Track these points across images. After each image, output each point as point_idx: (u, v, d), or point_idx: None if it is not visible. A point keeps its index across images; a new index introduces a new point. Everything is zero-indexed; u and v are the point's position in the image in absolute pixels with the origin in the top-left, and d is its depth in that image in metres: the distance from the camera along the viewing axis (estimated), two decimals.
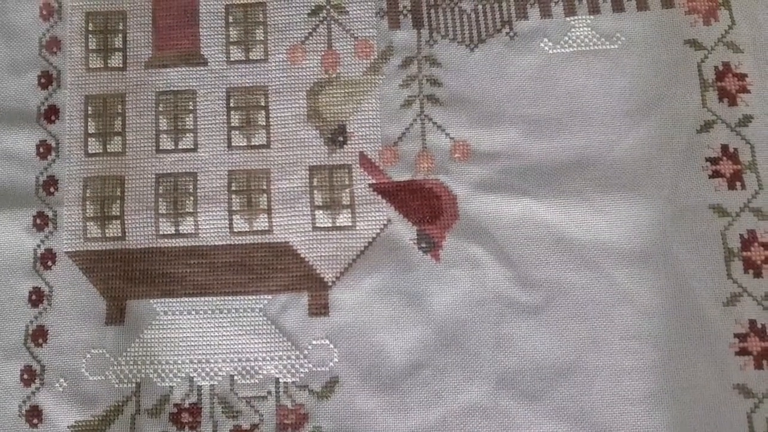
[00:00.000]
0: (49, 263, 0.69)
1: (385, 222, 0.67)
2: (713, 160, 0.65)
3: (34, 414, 0.66)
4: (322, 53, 0.70)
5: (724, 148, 0.65)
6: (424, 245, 0.67)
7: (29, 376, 0.67)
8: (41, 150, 0.69)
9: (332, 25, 0.70)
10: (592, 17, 0.68)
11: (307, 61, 0.70)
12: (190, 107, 0.69)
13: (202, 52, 0.70)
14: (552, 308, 0.64)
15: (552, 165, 0.66)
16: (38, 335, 0.67)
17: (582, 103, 0.66)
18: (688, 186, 0.65)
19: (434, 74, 0.68)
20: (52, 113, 0.70)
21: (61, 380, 0.67)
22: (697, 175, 0.65)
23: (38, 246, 0.69)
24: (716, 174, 0.65)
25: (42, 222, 0.69)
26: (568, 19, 0.68)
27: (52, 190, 0.69)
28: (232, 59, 0.70)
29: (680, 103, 0.66)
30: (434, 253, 0.66)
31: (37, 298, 0.68)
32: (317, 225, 0.67)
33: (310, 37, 0.70)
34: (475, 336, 0.64)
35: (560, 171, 0.66)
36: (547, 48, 0.68)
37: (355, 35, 0.70)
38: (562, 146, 0.66)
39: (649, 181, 0.65)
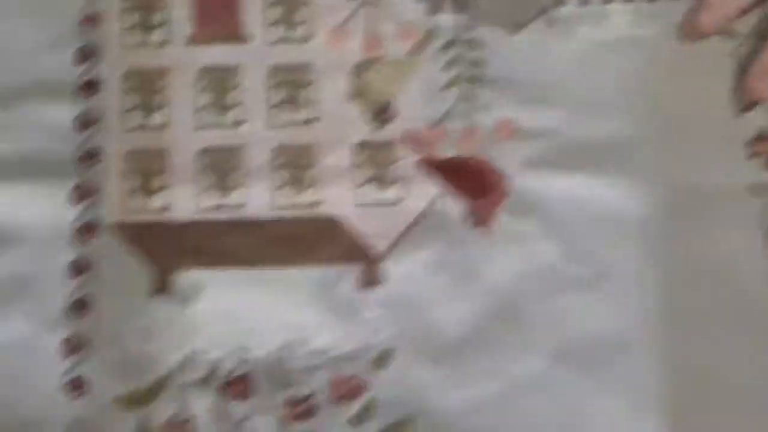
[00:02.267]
0: (90, 235, 0.68)
1: (433, 197, 0.68)
2: (754, 141, 0.69)
3: (77, 385, 0.65)
4: (364, 36, 0.71)
5: (763, 129, 0.69)
6: (473, 220, 0.68)
7: (71, 347, 0.65)
8: (80, 123, 0.68)
9: (374, 9, 0.71)
10: (631, 4, 0.71)
11: (350, 43, 0.70)
12: (233, 84, 0.70)
13: (244, 30, 0.70)
14: (603, 283, 0.66)
15: (598, 144, 0.68)
16: (80, 306, 0.66)
17: (624, 87, 0.69)
18: (728, 166, 0.68)
19: (476, 56, 0.70)
20: (91, 87, 0.69)
21: (105, 351, 0.65)
22: (736, 156, 0.68)
23: (78, 217, 0.68)
24: (756, 154, 0.68)
25: (82, 194, 0.68)
26: (606, 6, 0.71)
27: (91, 162, 0.68)
28: (274, 38, 0.70)
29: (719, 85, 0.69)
30: (484, 228, 0.68)
31: (78, 269, 0.67)
32: (365, 200, 0.68)
33: (352, 19, 0.71)
34: (529, 309, 0.66)
35: (606, 150, 0.68)
36: (586, 34, 0.70)
37: (397, 18, 0.71)
38: (608, 126, 0.68)
39: (690, 161, 0.67)
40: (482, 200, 0.68)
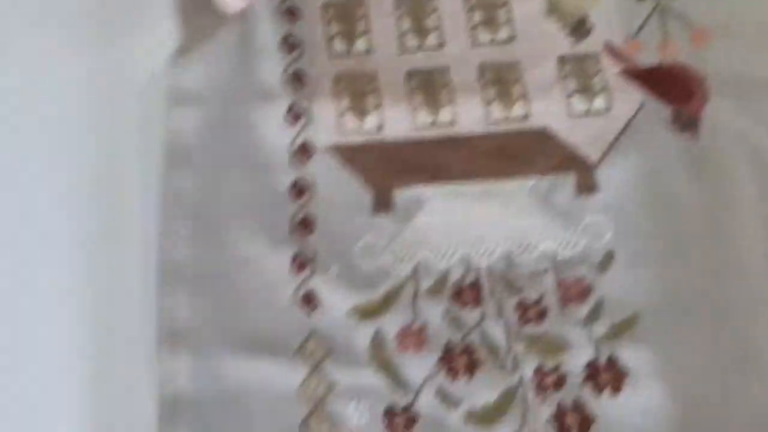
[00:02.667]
0: (307, 156, 0.69)
1: (639, 104, 0.69)
2: None
3: (309, 300, 0.65)
4: None
5: None
6: (681, 124, 0.69)
7: (300, 263, 0.66)
8: (286, 45, 0.70)
9: None
10: None
11: None
12: (430, 8, 0.71)
13: None
14: None
15: None
16: (305, 224, 0.67)
17: None
18: None
19: None
20: (292, 13, 0.71)
21: (334, 266, 0.66)
22: None
23: (294, 139, 0.69)
24: None
25: (295, 115, 0.69)
26: None
27: (300, 83, 0.69)
28: None
29: None
30: (691, 132, 0.69)
31: (299, 190, 0.68)
32: (573, 110, 0.69)
33: None
34: (745, 211, 0.66)
35: None
36: None
37: None
38: None
39: None
40: (687, 105, 0.69)
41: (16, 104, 0.69)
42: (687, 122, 0.68)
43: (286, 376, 0.63)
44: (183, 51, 0.70)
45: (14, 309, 0.65)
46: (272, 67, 0.69)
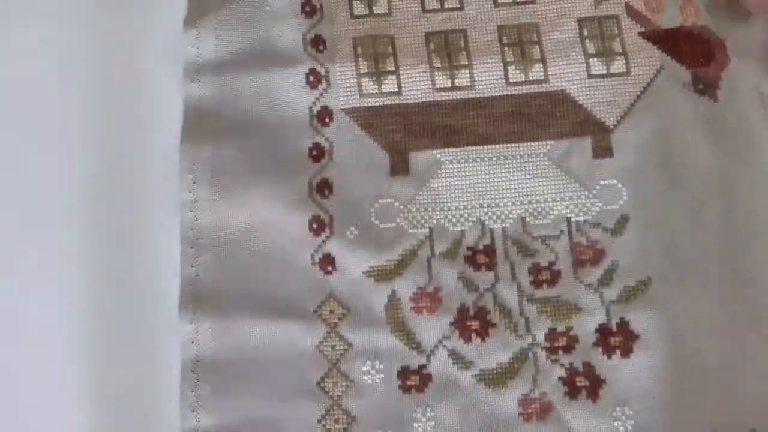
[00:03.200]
0: (326, 119, 0.70)
1: (659, 67, 0.69)
2: None
3: (328, 262, 0.67)
4: None
5: None
6: (700, 87, 0.69)
7: (318, 225, 0.67)
8: (307, 9, 0.70)
9: None
10: None
11: None
12: None
13: None
14: None
15: None
16: (323, 188, 0.68)
17: None
18: None
19: None
20: None
21: (352, 228, 0.67)
22: None
23: (314, 103, 0.70)
24: None
25: (315, 79, 0.70)
26: None
27: (320, 47, 0.70)
28: None
29: None
30: (711, 94, 0.68)
31: (318, 153, 0.69)
32: (592, 72, 0.69)
33: None
34: (762, 173, 0.66)
35: None
36: None
37: None
38: None
39: None
40: (707, 67, 0.69)
41: (31, 68, 0.70)
42: (706, 85, 0.69)
43: (304, 337, 0.65)
44: (199, 16, 0.71)
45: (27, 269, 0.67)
46: (292, 32, 0.70)
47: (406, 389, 0.64)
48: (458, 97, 0.69)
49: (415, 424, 0.64)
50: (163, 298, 0.67)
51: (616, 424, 0.63)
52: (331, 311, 0.66)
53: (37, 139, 0.71)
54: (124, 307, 0.68)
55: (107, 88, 0.73)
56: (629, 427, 0.63)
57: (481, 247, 0.67)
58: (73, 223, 0.69)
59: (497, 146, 0.68)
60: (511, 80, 0.69)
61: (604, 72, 0.68)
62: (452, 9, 0.71)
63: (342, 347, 0.65)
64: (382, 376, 0.65)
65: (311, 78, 0.69)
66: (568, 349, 0.65)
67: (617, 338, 0.65)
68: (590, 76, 0.69)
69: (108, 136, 0.71)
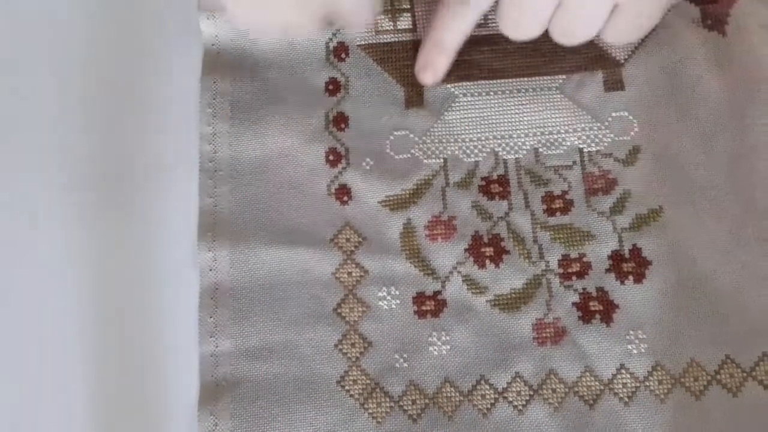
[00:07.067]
0: (343, 55, 0.71)
1: (668, 3, 0.70)
2: None
3: (344, 192, 0.68)
4: None
5: None
6: (709, 22, 0.70)
7: (335, 157, 0.69)
8: None
9: None
10: None
11: None
12: None
13: None
14: None
15: None
16: (339, 120, 0.69)
17: None
18: None
19: None
20: None
21: (367, 159, 0.69)
22: None
23: (330, 39, 0.71)
24: None
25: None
26: None
27: None
28: None
29: None
30: (720, 29, 0.70)
31: (334, 87, 0.70)
32: None
33: None
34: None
35: None
36: None
37: None
38: None
39: None
40: (715, 3, 0.70)
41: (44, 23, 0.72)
42: (715, 21, 0.70)
43: (320, 264, 0.66)
44: None
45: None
46: None
47: (421, 314, 0.65)
48: (473, 32, 0.70)
49: (431, 348, 0.65)
50: (181, 230, 0.68)
51: (629, 347, 0.64)
52: (348, 239, 0.67)
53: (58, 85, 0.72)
54: (143, 237, 0.69)
55: (121, 30, 0.74)
56: (642, 350, 0.64)
57: (494, 177, 0.68)
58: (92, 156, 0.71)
59: (510, 80, 0.70)
60: None
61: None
62: None
63: (358, 274, 0.66)
64: (398, 301, 0.65)
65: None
66: (581, 274, 0.66)
67: (630, 264, 0.65)
68: None
69: (122, 76, 0.73)
